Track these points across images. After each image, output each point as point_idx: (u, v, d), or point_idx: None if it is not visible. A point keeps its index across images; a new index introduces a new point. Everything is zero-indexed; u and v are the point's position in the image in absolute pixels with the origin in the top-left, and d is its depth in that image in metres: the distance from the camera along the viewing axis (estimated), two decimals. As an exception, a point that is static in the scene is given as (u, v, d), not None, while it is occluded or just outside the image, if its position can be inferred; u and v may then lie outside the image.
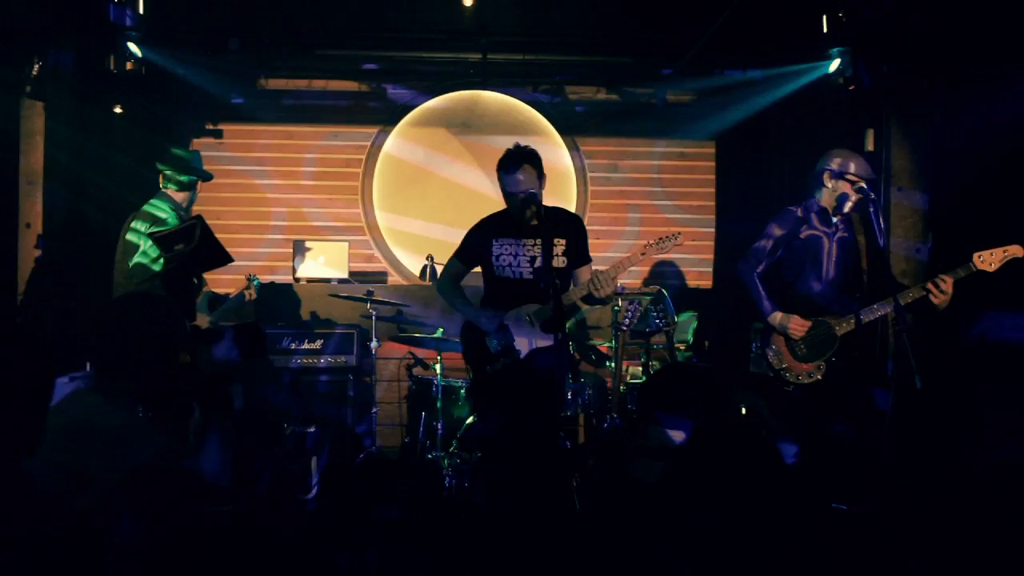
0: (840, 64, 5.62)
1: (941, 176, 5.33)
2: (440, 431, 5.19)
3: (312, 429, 5.17)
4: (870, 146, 5.51)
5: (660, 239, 4.00)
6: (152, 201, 4.57)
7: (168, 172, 4.63)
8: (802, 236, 4.26)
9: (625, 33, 6.31)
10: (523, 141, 4.12)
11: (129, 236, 4.44)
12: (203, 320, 4.76)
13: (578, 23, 6.19)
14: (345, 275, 6.41)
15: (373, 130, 6.95)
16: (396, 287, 6.59)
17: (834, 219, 4.27)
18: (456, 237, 4.36)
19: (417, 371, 5.87)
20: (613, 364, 5.31)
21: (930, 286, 3.96)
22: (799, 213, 4.31)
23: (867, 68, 5.49)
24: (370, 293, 5.70)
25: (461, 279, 4.26)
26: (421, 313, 6.01)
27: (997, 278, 3.93)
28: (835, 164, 4.25)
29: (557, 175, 6.88)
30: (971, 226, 4.83)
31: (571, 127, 7.06)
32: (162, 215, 4.49)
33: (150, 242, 4.33)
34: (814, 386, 4.20)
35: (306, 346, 5.76)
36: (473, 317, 4.12)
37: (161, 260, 4.35)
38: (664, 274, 6.86)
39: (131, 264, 4.36)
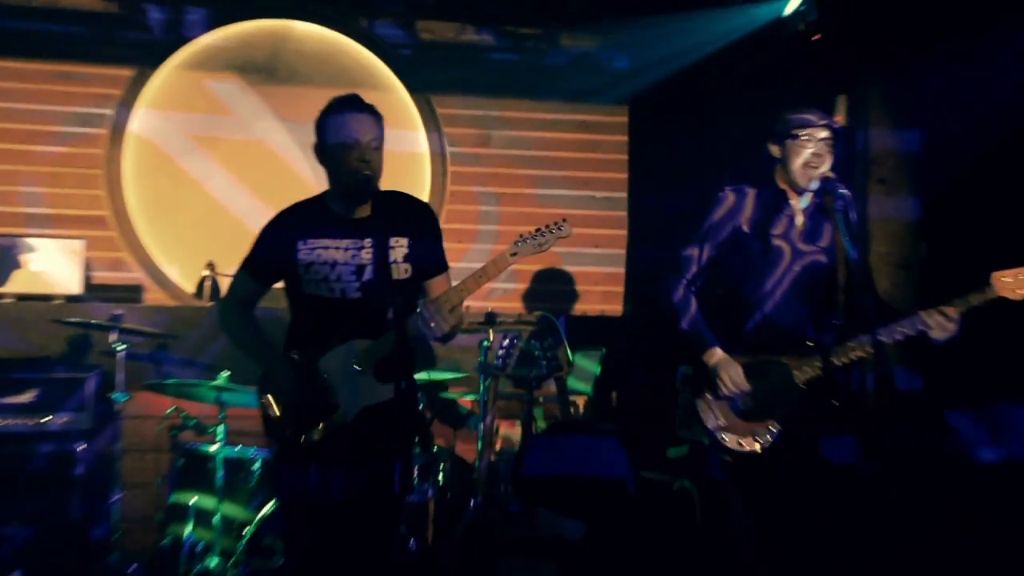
0: (801, 3, 5.71)
1: (938, 164, 5.43)
2: (220, 528, 5.03)
3: (14, 530, 5.03)
4: (841, 118, 5.70)
5: (537, 231, 3.74)
6: None
7: None
8: (773, 241, 4.15)
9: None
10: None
11: None
12: None
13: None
14: (79, 290, 6.14)
15: (126, 72, 6.68)
16: (157, 308, 6.41)
17: (803, 203, 4.15)
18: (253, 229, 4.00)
19: (187, 436, 5.51)
20: (480, 425, 5.24)
21: (927, 318, 3.77)
22: (751, 203, 4.20)
23: (837, 10, 5.60)
24: (117, 317, 5.50)
25: (254, 303, 3.96)
26: (195, 348, 5.92)
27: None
28: (777, 128, 4.15)
29: (404, 155, 6.84)
30: (980, 234, 4.93)
31: (425, 81, 6.98)
32: None
33: None
34: (760, 456, 4.00)
35: (10, 399, 5.47)
36: (268, 369, 3.85)
37: None
38: (554, 295, 6.90)
39: None
